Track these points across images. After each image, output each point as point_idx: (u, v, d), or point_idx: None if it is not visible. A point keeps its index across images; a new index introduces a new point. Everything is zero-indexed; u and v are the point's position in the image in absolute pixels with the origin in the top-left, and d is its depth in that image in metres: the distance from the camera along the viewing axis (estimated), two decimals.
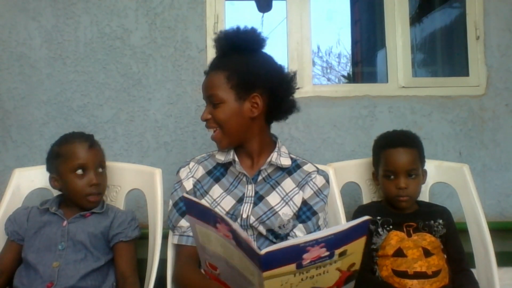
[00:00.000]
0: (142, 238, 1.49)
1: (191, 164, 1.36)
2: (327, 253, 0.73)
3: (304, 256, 0.72)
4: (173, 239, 1.30)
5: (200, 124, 2.04)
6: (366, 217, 0.77)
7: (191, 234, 1.24)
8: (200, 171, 1.34)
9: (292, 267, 0.72)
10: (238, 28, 1.32)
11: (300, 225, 1.28)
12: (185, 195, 0.92)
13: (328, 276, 0.78)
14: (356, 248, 0.77)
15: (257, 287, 0.77)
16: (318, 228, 1.30)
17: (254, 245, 0.74)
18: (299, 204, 1.30)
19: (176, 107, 2.03)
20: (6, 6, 2.01)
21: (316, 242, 0.71)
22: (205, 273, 1.00)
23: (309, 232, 1.26)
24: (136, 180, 1.59)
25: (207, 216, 0.83)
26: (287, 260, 0.72)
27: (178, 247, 1.29)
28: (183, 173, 1.34)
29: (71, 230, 1.39)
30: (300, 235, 1.26)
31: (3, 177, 1.85)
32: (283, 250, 0.71)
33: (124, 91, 2.02)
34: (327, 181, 1.36)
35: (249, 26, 1.32)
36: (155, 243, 1.42)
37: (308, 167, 1.36)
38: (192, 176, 1.33)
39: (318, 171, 1.36)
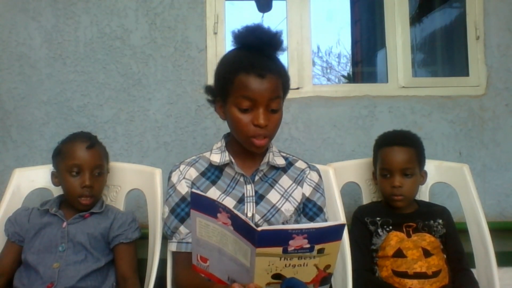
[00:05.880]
0: (142, 238, 1.49)
1: (182, 166, 1.33)
2: (308, 246, 0.87)
3: (290, 242, 0.86)
4: (170, 246, 1.29)
5: (200, 124, 2.06)
6: (343, 222, 0.91)
7: (189, 240, 1.24)
8: (193, 172, 1.31)
9: (279, 250, 0.86)
10: (265, 28, 1.23)
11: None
12: (193, 190, 0.99)
13: (307, 269, 0.91)
14: (332, 250, 0.90)
15: (247, 266, 0.90)
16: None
17: (252, 224, 0.87)
18: (299, 199, 1.32)
19: (176, 107, 2.03)
20: (6, 6, 2.00)
21: (300, 232, 0.85)
22: (194, 268, 1.04)
23: None
24: (136, 180, 1.59)
25: (210, 207, 0.93)
26: (277, 242, 0.86)
27: (176, 254, 1.28)
28: (175, 176, 1.32)
29: (70, 231, 1.40)
30: None
31: (3, 177, 1.85)
32: (275, 231, 0.86)
33: (124, 91, 2.02)
34: (320, 176, 1.39)
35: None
36: (155, 243, 1.42)
37: (300, 164, 1.38)
38: (184, 178, 1.30)
39: (310, 167, 1.39)
